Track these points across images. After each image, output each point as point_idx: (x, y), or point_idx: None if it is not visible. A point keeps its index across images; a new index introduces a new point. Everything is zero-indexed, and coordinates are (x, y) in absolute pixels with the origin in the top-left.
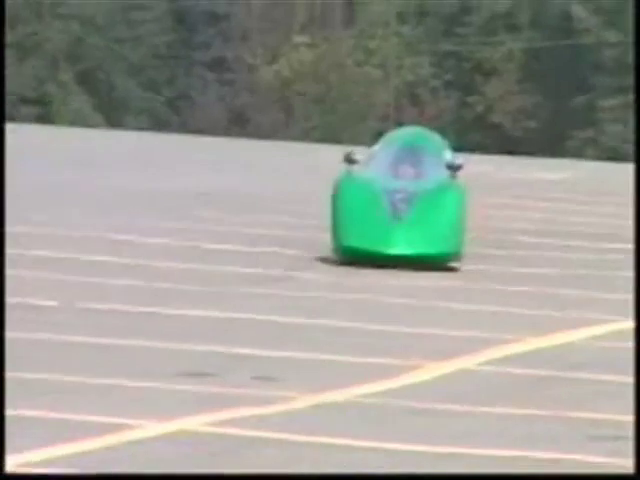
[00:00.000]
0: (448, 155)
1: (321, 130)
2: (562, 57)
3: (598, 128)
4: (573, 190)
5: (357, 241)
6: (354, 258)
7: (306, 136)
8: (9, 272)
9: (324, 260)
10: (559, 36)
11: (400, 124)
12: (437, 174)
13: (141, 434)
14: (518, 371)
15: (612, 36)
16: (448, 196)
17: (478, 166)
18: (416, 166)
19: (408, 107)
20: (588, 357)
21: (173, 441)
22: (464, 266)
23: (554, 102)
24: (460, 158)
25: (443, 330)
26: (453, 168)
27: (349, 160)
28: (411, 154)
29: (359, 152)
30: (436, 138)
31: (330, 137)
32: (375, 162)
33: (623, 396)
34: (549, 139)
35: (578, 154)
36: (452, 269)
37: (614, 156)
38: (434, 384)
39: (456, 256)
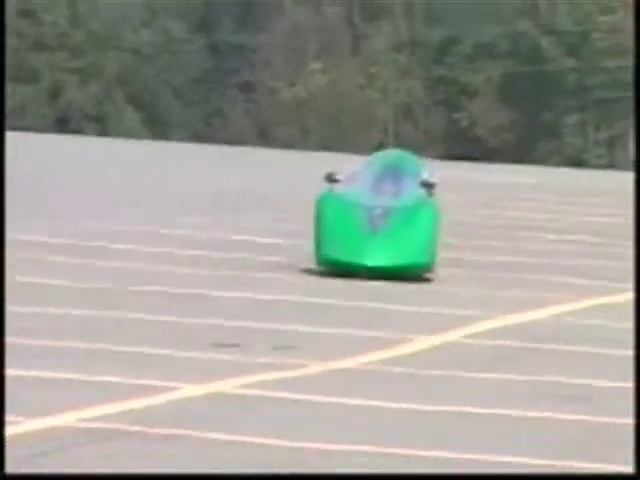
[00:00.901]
0: (425, 175)
1: (330, 141)
2: (532, 81)
3: (561, 140)
4: (540, 191)
5: (337, 253)
6: (334, 269)
7: (318, 146)
8: (95, 262)
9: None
10: (530, 64)
11: (397, 136)
12: (414, 192)
13: (182, 394)
14: (497, 342)
15: (572, 63)
16: (423, 212)
17: (464, 172)
18: (396, 185)
19: (404, 122)
20: (553, 331)
21: (209, 400)
22: (447, 254)
23: (526, 118)
24: (435, 177)
25: (430, 309)
26: (428, 186)
27: (330, 179)
28: (391, 174)
29: (340, 173)
30: (414, 159)
31: (338, 147)
32: (357, 181)
33: (587, 363)
34: (521, 149)
35: (544, 162)
36: (426, 280)
37: (574, 163)
38: (426, 353)
39: (429, 268)
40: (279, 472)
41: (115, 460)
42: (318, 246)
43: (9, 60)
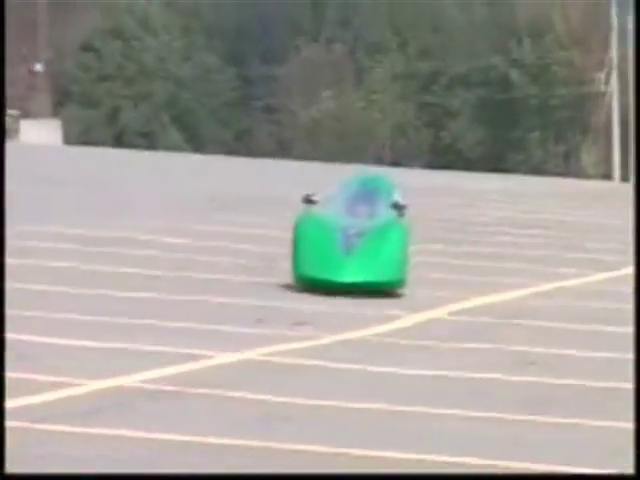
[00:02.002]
0: (397, 197)
1: (338, 154)
2: (502, 105)
3: (526, 153)
4: (509, 195)
5: (313, 271)
6: (311, 286)
7: (328, 159)
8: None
9: None
10: (500, 91)
11: (393, 150)
12: (387, 213)
13: (216, 362)
14: (472, 319)
15: (535, 90)
16: (394, 232)
17: (447, 179)
18: (369, 206)
19: (398, 139)
20: (519, 310)
21: (239, 367)
22: (432, 246)
23: (497, 135)
24: (405, 200)
25: (416, 291)
26: (399, 208)
27: (308, 201)
28: (365, 196)
29: (317, 194)
30: (387, 182)
31: (345, 159)
32: (333, 203)
33: (546, 335)
34: (493, 160)
35: (513, 171)
36: (398, 295)
37: (537, 172)
38: (414, 328)
39: (400, 284)
40: (280, 472)
41: (162, 415)
42: (296, 264)
43: (76, 89)
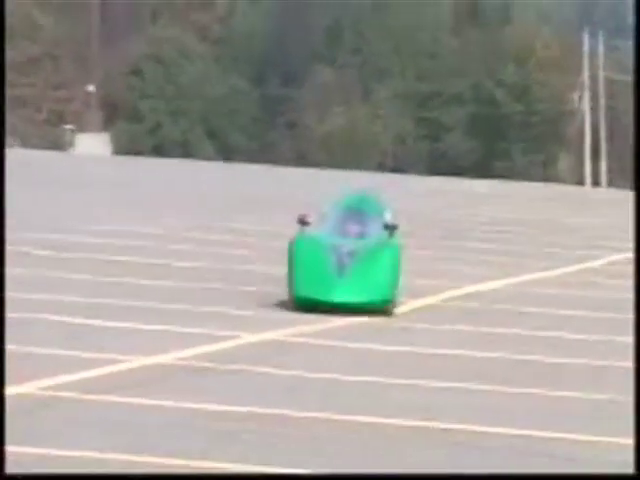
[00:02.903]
0: (387, 217)
1: (348, 162)
2: (490, 120)
3: (511, 161)
4: (495, 197)
5: (308, 291)
6: (305, 305)
7: (339, 166)
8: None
9: None
10: (488, 108)
11: (394, 158)
12: (377, 233)
13: (243, 341)
14: (463, 304)
15: (518, 108)
16: (385, 252)
17: (441, 183)
18: (360, 226)
19: (399, 148)
20: (506, 296)
21: (262, 345)
22: (426, 242)
23: (485, 146)
24: (395, 220)
25: (413, 280)
26: (390, 228)
27: (302, 222)
28: (356, 216)
29: (311, 215)
30: (378, 202)
31: (353, 166)
32: (325, 223)
33: (526, 318)
34: (482, 168)
35: (499, 176)
36: (390, 314)
37: (520, 178)
38: (412, 312)
39: (392, 303)
40: (285, 472)
41: (197, 387)
42: (291, 284)
43: (123, 107)
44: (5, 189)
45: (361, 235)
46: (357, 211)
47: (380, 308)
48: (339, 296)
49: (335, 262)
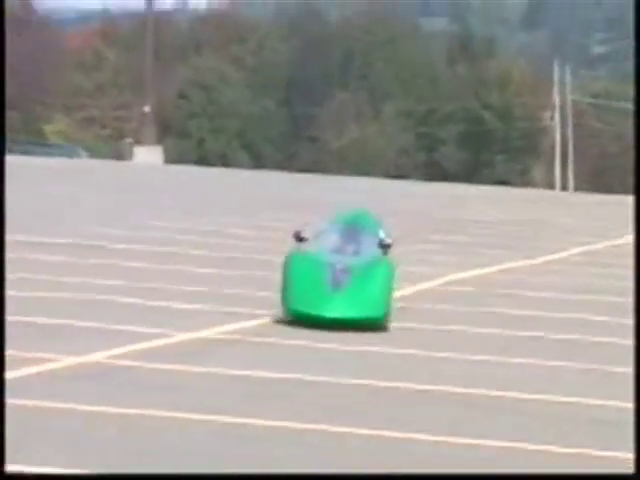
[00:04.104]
0: (382, 235)
1: (360, 170)
2: (477, 136)
3: (494, 169)
4: (481, 199)
5: (302, 306)
6: (299, 320)
7: (353, 173)
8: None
9: None
10: (475, 125)
11: (398, 167)
12: (372, 251)
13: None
14: (457, 289)
15: (500, 126)
16: (379, 270)
17: (436, 188)
18: (356, 244)
19: (402, 159)
20: (493, 281)
21: (288, 323)
22: (426, 236)
23: (473, 157)
24: (389, 239)
25: (414, 268)
26: (384, 246)
27: (298, 238)
28: (352, 233)
29: (307, 231)
30: (373, 220)
31: (364, 173)
32: (321, 239)
33: (511, 300)
34: (471, 174)
35: (484, 182)
36: (383, 329)
37: (502, 183)
38: (416, 295)
39: (385, 320)
40: (283, 472)
41: (232, 356)
42: (285, 299)
43: (173, 124)
44: (5, 189)
45: (356, 252)
46: (353, 228)
47: (374, 324)
48: (333, 312)
49: (330, 278)
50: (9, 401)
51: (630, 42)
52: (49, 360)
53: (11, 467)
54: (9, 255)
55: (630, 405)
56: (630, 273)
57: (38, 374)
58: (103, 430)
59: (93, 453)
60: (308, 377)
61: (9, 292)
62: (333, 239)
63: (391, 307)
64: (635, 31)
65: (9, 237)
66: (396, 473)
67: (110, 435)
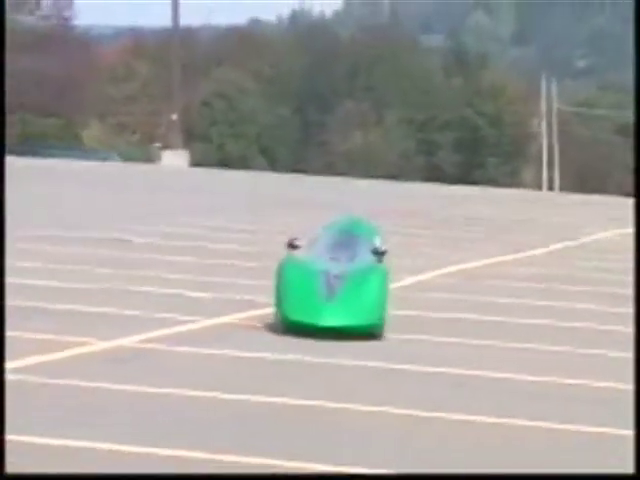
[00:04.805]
0: (377, 242)
1: (365, 172)
2: (471, 141)
3: (487, 171)
4: (475, 198)
5: (295, 314)
6: (293, 329)
7: (359, 175)
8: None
9: None
10: (470, 132)
11: (399, 169)
12: (366, 258)
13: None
14: (452, 280)
15: (492, 132)
16: (373, 277)
17: (435, 189)
18: (350, 251)
19: (403, 162)
20: (486, 272)
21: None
22: (422, 232)
23: (468, 160)
24: (384, 246)
25: (412, 261)
26: (378, 254)
27: (292, 246)
28: (347, 240)
29: (300, 239)
30: (369, 227)
31: (368, 175)
32: (315, 247)
33: (500, 289)
34: (466, 176)
35: (478, 184)
36: (378, 337)
37: (493, 184)
38: (416, 285)
39: (379, 327)
40: (279, 473)
41: (253, 339)
42: (278, 307)
43: (198, 130)
44: (5, 188)
45: (350, 259)
46: (348, 235)
47: (367, 332)
48: (326, 320)
49: (323, 286)
50: (52, 381)
51: (609, 56)
52: (87, 344)
53: (57, 441)
54: (58, 249)
55: (616, 385)
56: (611, 265)
57: (76, 356)
58: (135, 407)
59: (128, 428)
60: (309, 359)
61: (56, 283)
62: (327, 246)
63: (386, 314)
64: (635, 31)
65: (56, 232)
66: (396, 473)
67: (143, 412)
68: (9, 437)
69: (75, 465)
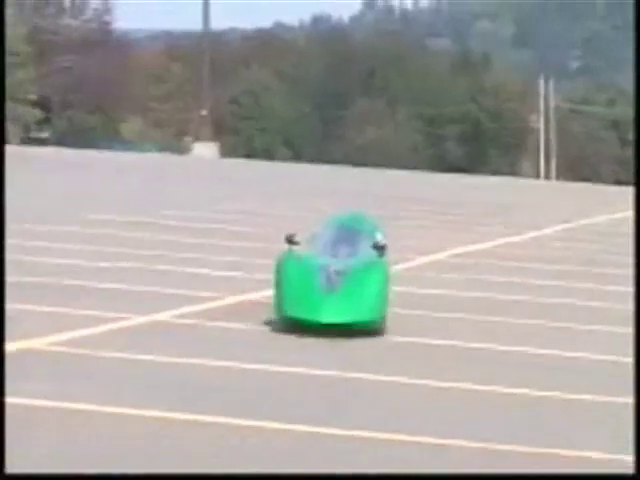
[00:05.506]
0: (379, 237)
1: (377, 162)
2: (474, 134)
3: (488, 162)
4: (478, 186)
5: (294, 311)
6: (292, 325)
7: (372, 165)
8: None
9: None
10: (472, 126)
11: (408, 160)
12: (367, 253)
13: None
14: (458, 260)
15: (494, 125)
16: (374, 273)
17: (441, 179)
18: (351, 246)
19: (412, 154)
20: (489, 253)
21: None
22: (433, 217)
23: (471, 152)
24: (385, 240)
25: (419, 242)
26: (379, 248)
27: (290, 241)
28: (348, 235)
29: (299, 236)
30: (370, 222)
31: (380, 166)
32: (316, 242)
33: (503, 270)
34: (469, 167)
35: (481, 173)
36: (379, 333)
37: (496, 174)
38: (423, 266)
39: (380, 323)
40: (279, 472)
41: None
42: (277, 303)
43: (226, 124)
44: (5, 185)
45: (351, 255)
46: (349, 230)
47: (367, 328)
48: (326, 316)
49: (323, 282)
50: (91, 353)
51: (602, 57)
52: (123, 319)
53: (107, 408)
54: (104, 231)
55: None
56: (603, 247)
57: (114, 331)
58: (168, 375)
59: (161, 393)
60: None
61: (102, 263)
62: (327, 242)
63: (386, 310)
64: (635, 31)
65: (99, 217)
66: (397, 473)
67: (175, 379)
68: (57, 404)
69: (126, 431)
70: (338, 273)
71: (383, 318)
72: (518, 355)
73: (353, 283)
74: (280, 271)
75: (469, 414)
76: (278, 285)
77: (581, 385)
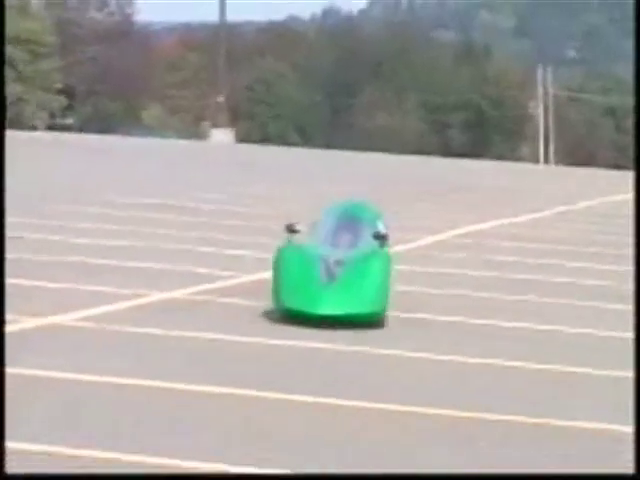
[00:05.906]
0: (380, 226)
1: (385, 149)
2: (477, 121)
3: (490, 148)
4: (481, 170)
5: (292, 302)
6: (290, 317)
7: (381, 150)
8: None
9: None
10: (475, 113)
11: (417, 145)
12: (368, 243)
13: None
14: (457, 241)
15: (495, 113)
16: (374, 263)
17: (446, 163)
18: (352, 235)
19: (420, 140)
20: (491, 233)
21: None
22: (435, 199)
23: (474, 139)
24: (386, 229)
25: (423, 222)
26: (380, 238)
27: (291, 230)
28: (350, 224)
29: (300, 224)
30: (372, 211)
31: (389, 151)
32: (316, 232)
33: (503, 249)
34: (473, 152)
35: (483, 158)
36: (379, 325)
37: (497, 159)
38: (431, 245)
39: (380, 315)
40: (286, 473)
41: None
42: (275, 293)
43: (242, 110)
44: (5, 182)
45: (352, 245)
46: (351, 219)
47: (367, 320)
48: (325, 308)
49: (323, 272)
50: (111, 327)
51: (598, 48)
52: (140, 296)
53: (129, 380)
54: (126, 213)
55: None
56: (600, 227)
57: (131, 308)
58: (186, 350)
59: (181, 366)
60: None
61: (121, 242)
62: (328, 231)
63: (387, 301)
64: (635, 30)
65: (123, 199)
66: (396, 473)
67: (192, 353)
68: (79, 376)
69: (148, 403)
70: (338, 263)
71: (384, 311)
72: (519, 330)
73: (353, 274)
74: (278, 261)
75: (465, 385)
76: (276, 275)
77: (582, 359)
